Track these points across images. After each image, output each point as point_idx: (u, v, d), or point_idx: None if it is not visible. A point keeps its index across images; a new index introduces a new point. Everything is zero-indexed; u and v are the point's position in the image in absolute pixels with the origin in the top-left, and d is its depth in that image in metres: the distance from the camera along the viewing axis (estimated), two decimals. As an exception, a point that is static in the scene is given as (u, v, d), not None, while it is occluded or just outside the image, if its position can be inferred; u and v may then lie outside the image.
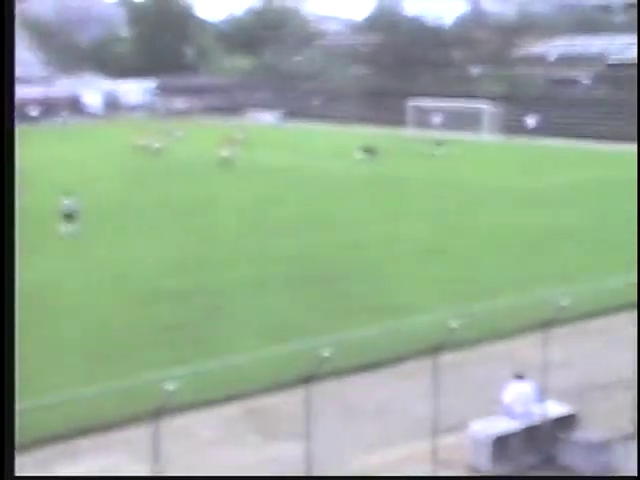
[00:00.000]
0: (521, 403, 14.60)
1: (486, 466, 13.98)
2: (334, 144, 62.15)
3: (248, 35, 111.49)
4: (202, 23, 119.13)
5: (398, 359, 16.89)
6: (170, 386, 10.89)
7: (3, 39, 5.83)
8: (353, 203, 38.77)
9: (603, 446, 14.34)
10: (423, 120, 70.44)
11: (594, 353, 18.92)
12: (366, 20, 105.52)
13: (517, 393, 14.66)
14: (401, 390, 16.85)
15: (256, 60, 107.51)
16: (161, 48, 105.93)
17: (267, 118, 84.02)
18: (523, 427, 14.26)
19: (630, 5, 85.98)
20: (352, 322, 20.88)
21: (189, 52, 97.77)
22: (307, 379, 12.83)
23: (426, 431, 14.57)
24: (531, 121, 67.13)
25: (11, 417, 5.21)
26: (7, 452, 5.00)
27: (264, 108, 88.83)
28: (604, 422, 15.54)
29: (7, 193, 5.63)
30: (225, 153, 52.24)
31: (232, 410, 15.68)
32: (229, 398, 15.34)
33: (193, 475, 13.68)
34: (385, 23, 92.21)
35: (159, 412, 11.35)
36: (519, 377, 14.88)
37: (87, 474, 13.75)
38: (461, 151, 56.83)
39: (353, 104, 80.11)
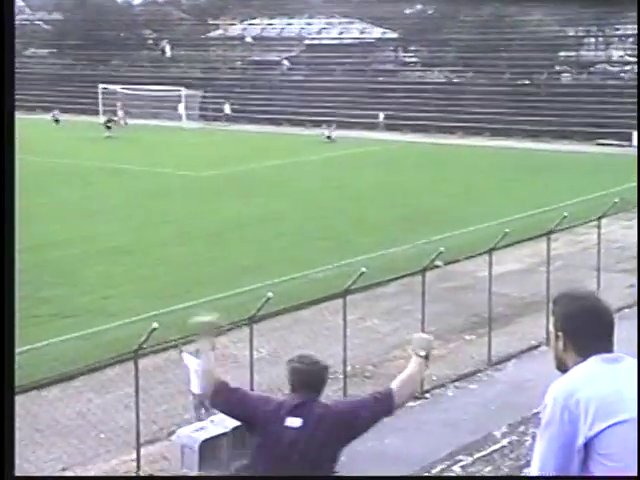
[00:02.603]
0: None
1: (194, 472, 13.20)
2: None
3: None
4: None
5: (96, 367, 15.61)
6: None
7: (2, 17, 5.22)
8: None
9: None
10: (116, 107, 66.34)
11: (302, 345, 18.60)
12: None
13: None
14: (100, 400, 15.55)
15: None
16: None
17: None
18: (230, 429, 13.52)
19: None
20: (44, 330, 19.09)
21: None
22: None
23: (130, 442, 13.57)
24: (228, 106, 65.27)
25: (11, 417, 4.40)
26: (7, 452, 4.26)
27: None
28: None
29: (7, 178, 4.96)
30: None
31: None
32: None
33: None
34: (69, 1, 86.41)
35: None
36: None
37: None
38: (152, 140, 54.48)
39: (36, 89, 70.69)
